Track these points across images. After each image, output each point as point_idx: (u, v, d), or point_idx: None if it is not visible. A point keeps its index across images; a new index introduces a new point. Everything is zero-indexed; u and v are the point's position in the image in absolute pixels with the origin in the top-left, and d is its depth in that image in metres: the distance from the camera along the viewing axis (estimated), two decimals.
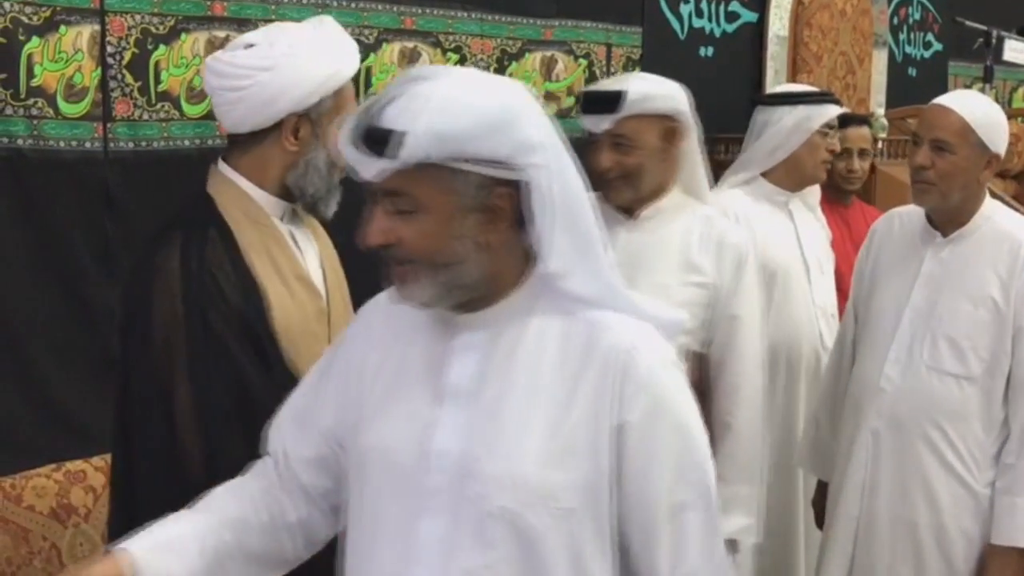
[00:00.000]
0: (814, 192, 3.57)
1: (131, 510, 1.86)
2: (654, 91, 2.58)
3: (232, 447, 1.82)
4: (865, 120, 4.13)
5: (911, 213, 2.85)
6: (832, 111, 3.47)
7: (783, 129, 3.45)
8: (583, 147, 4.01)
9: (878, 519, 2.74)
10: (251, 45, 1.92)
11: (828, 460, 2.98)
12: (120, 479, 1.99)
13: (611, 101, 2.54)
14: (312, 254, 2.08)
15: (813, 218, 3.54)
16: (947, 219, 2.72)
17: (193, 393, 1.84)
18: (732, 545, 2.44)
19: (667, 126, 2.57)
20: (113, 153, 2.78)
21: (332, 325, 2.03)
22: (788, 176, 3.42)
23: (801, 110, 3.48)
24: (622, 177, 2.57)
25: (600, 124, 2.57)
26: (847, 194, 3.94)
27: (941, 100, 2.72)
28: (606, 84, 2.73)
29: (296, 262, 2.01)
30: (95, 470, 2.74)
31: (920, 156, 2.64)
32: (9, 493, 2.60)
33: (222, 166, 2.00)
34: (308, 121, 1.93)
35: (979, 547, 2.68)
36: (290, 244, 2.02)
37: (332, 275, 2.11)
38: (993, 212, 2.73)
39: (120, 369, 1.97)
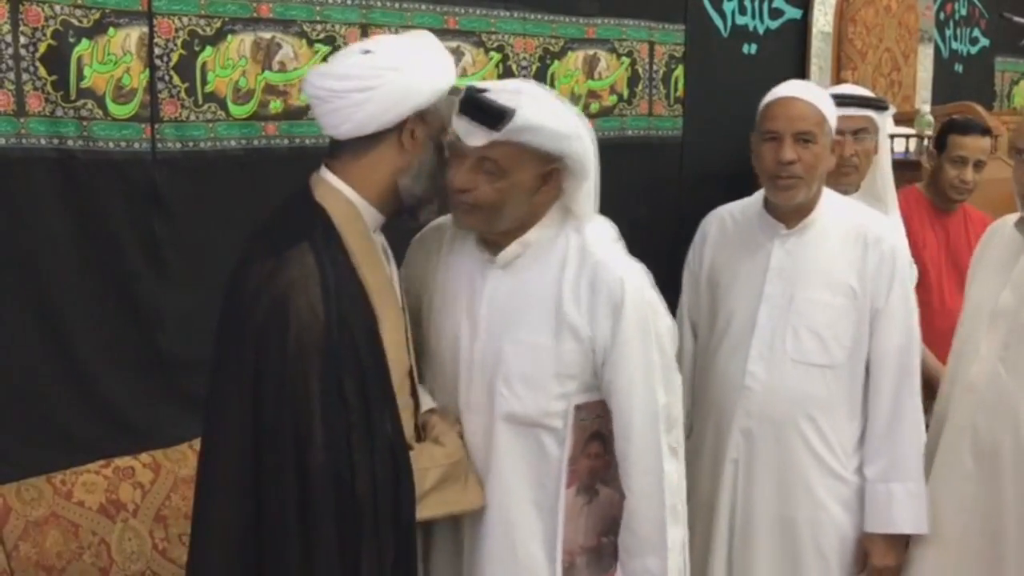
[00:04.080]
0: (883, 194, 3.37)
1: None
2: (547, 125, 2.03)
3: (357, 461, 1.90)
4: (987, 130, 3.75)
5: (742, 209, 2.82)
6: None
7: None
8: (614, 148, 4.06)
9: (755, 518, 2.69)
10: (368, 51, 1.99)
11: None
12: (240, 469, 1.92)
13: (495, 116, 2.00)
14: (392, 266, 2.12)
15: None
16: (793, 210, 2.68)
17: (322, 407, 1.87)
18: None
19: (547, 169, 2.07)
20: (161, 154, 2.82)
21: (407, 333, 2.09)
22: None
23: None
24: (476, 205, 2.07)
25: (472, 136, 2.03)
26: (953, 202, 3.73)
27: (790, 93, 2.67)
28: (499, 89, 2.07)
29: (388, 275, 2.06)
30: (143, 466, 2.78)
31: (787, 151, 2.59)
32: (60, 489, 2.64)
33: (327, 175, 2.01)
34: (424, 123, 2.01)
35: (850, 538, 2.65)
36: (383, 257, 2.07)
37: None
38: (831, 200, 2.72)
39: (248, 374, 1.92)
